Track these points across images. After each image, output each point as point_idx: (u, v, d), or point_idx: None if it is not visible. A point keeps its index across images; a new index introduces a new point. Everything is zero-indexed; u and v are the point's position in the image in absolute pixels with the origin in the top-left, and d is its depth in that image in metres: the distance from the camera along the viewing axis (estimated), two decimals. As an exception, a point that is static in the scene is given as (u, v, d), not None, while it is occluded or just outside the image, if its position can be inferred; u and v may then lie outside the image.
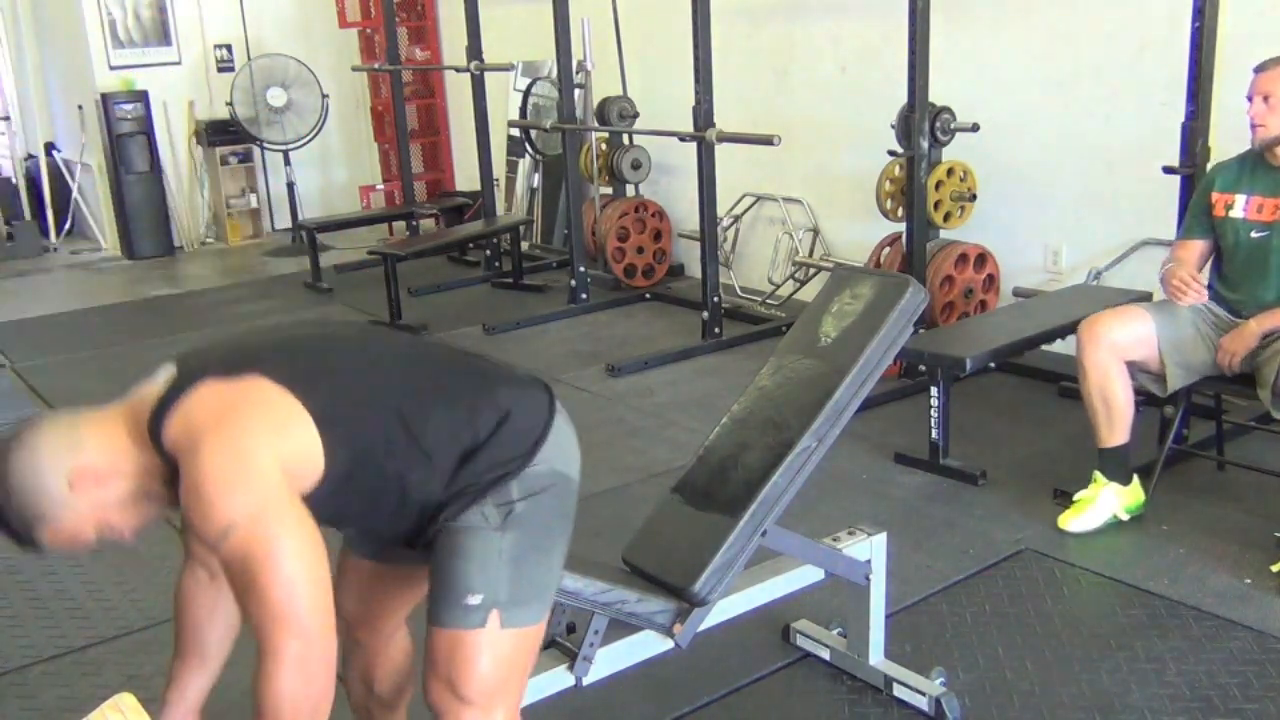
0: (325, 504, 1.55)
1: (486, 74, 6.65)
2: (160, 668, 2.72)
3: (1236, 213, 3.12)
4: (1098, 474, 3.22)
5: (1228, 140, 3.48)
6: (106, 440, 1.53)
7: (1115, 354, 3.10)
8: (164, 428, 1.49)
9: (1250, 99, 3.01)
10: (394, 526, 1.70)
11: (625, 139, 6.22)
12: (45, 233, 8.63)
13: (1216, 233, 3.18)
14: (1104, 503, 3.20)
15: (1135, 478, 3.24)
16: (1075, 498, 3.25)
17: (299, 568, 1.45)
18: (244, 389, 1.52)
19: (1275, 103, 2.96)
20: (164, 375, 1.57)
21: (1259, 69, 3.02)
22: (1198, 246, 3.22)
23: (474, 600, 1.63)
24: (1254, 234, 3.08)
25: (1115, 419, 3.15)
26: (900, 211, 4.64)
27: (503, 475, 1.66)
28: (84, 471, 1.50)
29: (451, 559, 1.64)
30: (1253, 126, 3.02)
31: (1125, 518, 3.21)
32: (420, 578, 1.80)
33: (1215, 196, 3.17)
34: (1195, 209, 3.25)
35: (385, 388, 1.65)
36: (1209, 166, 3.40)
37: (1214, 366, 3.12)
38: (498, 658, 1.66)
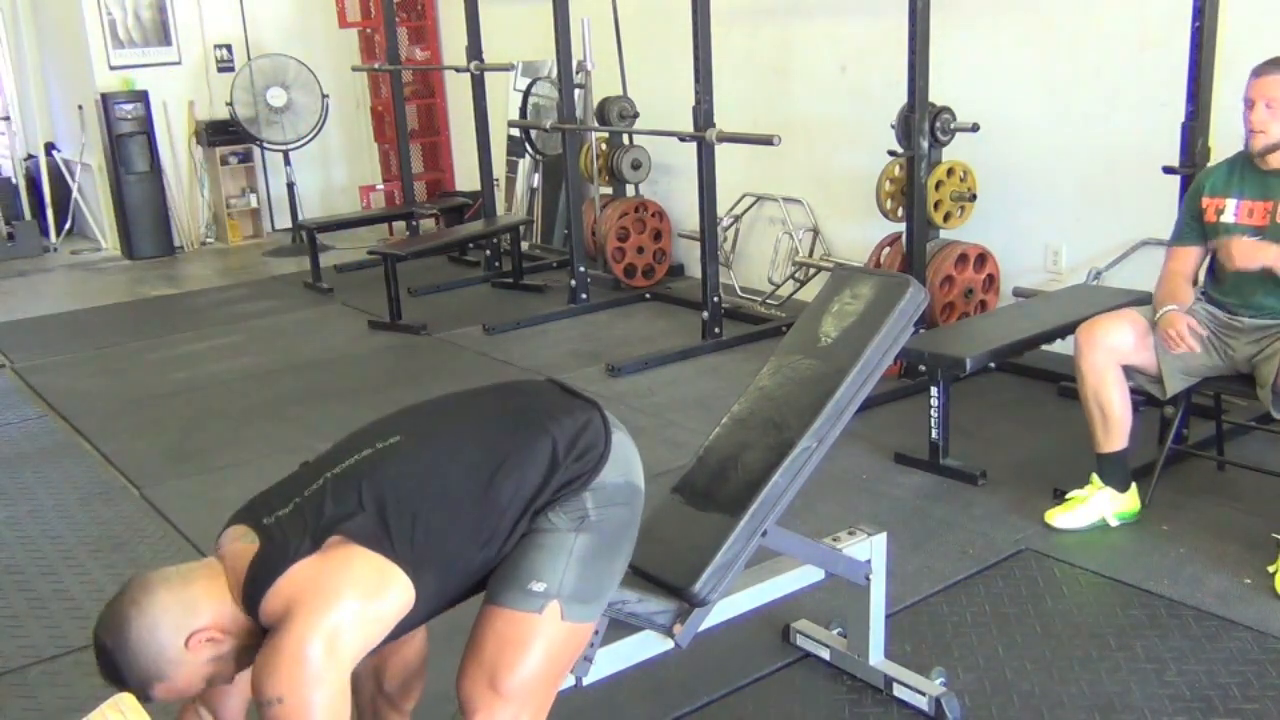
0: (416, 611, 1.66)
1: (486, 74, 6.65)
2: (160, 668, 2.73)
3: (1228, 217, 3.09)
4: (1095, 477, 3.22)
5: (1228, 140, 3.48)
6: (218, 605, 1.62)
7: (1113, 358, 3.10)
8: (261, 606, 1.59)
9: (1249, 103, 2.95)
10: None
11: (625, 139, 6.22)
12: (45, 233, 8.63)
13: (1209, 238, 3.16)
14: (1095, 505, 3.20)
15: (1134, 486, 3.23)
16: (1068, 495, 3.26)
17: None
18: (335, 563, 1.60)
19: (1278, 109, 2.93)
20: (244, 539, 1.67)
21: (1257, 73, 2.95)
22: (1192, 254, 3.19)
23: (538, 587, 1.70)
24: (1245, 239, 3.05)
25: (1111, 425, 3.15)
26: (900, 211, 4.64)
27: (572, 491, 1.76)
28: (201, 634, 1.59)
29: (521, 550, 1.72)
30: (1251, 132, 2.97)
31: (1115, 523, 3.20)
32: None
33: (1206, 202, 3.14)
34: (1187, 215, 3.22)
35: (459, 500, 1.72)
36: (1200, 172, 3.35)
37: (1214, 368, 3.11)
38: (548, 649, 1.71)
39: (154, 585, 1.62)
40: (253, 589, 1.59)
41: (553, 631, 1.71)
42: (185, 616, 1.59)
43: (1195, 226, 3.18)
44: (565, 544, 1.73)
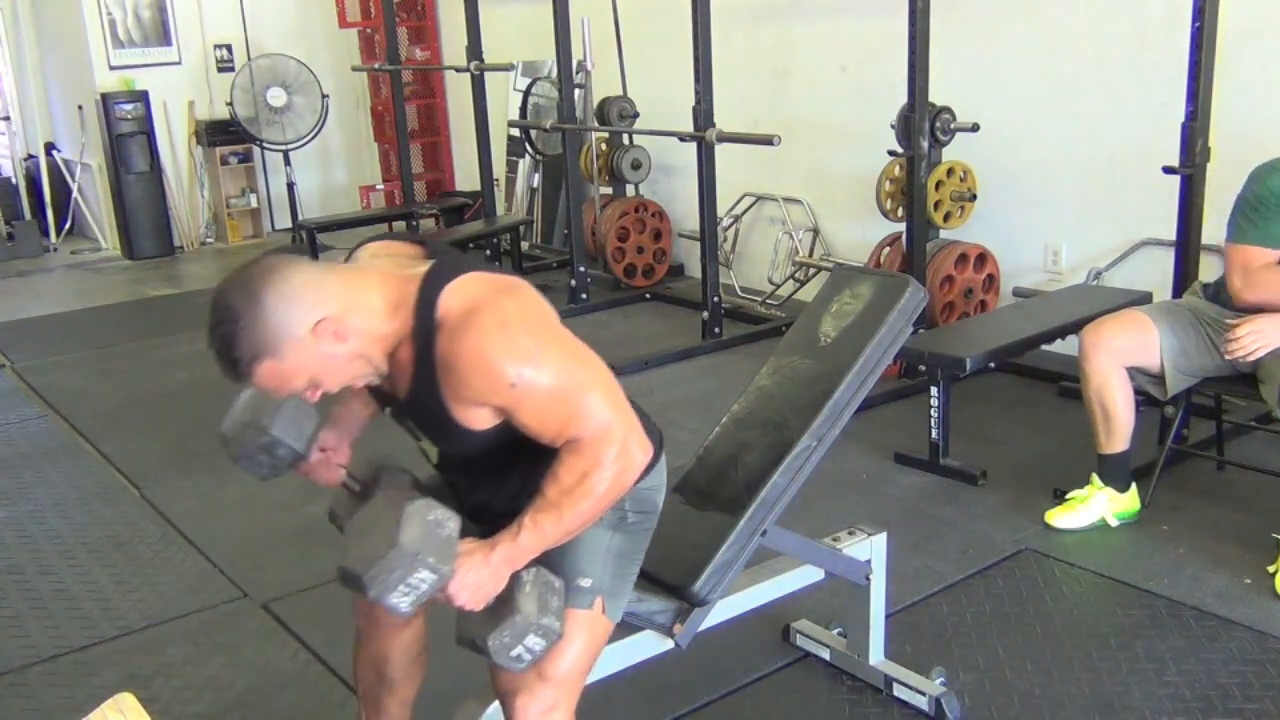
0: (507, 428, 1.63)
1: (486, 74, 6.65)
2: (160, 668, 2.73)
3: None
4: (1095, 477, 3.22)
5: (1228, 140, 3.49)
6: (357, 299, 1.56)
7: (1117, 360, 3.09)
8: (440, 299, 1.56)
9: None
10: (514, 488, 1.74)
11: (625, 139, 6.22)
12: (45, 233, 8.63)
13: None
14: (1095, 505, 3.21)
15: (1134, 486, 3.24)
16: (1068, 496, 3.27)
17: (604, 388, 1.64)
18: (515, 281, 1.65)
19: None
20: (396, 254, 1.67)
21: None
22: (1276, 254, 2.93)
23: (585, 583, 1.75)
24: None
25: (1114, 427, 3.15)
26: (900, 211, 4.64)
27: None
28: (330, 323, 1.53)
29: (562, 546, 1.71)
30: None
31: (1114, 523, 3.21)
32: None
33: None
34: (1271, 214, 2.91)
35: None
36: (1259, 166, 3.04)
37: (1215, 368, 3.10)
38: (591, 641, 1.76)
39: (297, 262, 1.56)
40: (432, 282, 1.57)
41: (597, 624, 1.77)
42: (321, 300, 1.53)
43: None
44: (603, 540, 1.78)
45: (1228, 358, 2.97)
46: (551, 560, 1.72)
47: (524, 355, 1.55)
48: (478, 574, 1.60)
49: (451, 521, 1.59)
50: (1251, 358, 2.92)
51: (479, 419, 1.62)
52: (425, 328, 1.56)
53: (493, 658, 1.64)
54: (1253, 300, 2.95)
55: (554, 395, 1.58)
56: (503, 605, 1.64)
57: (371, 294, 1.58)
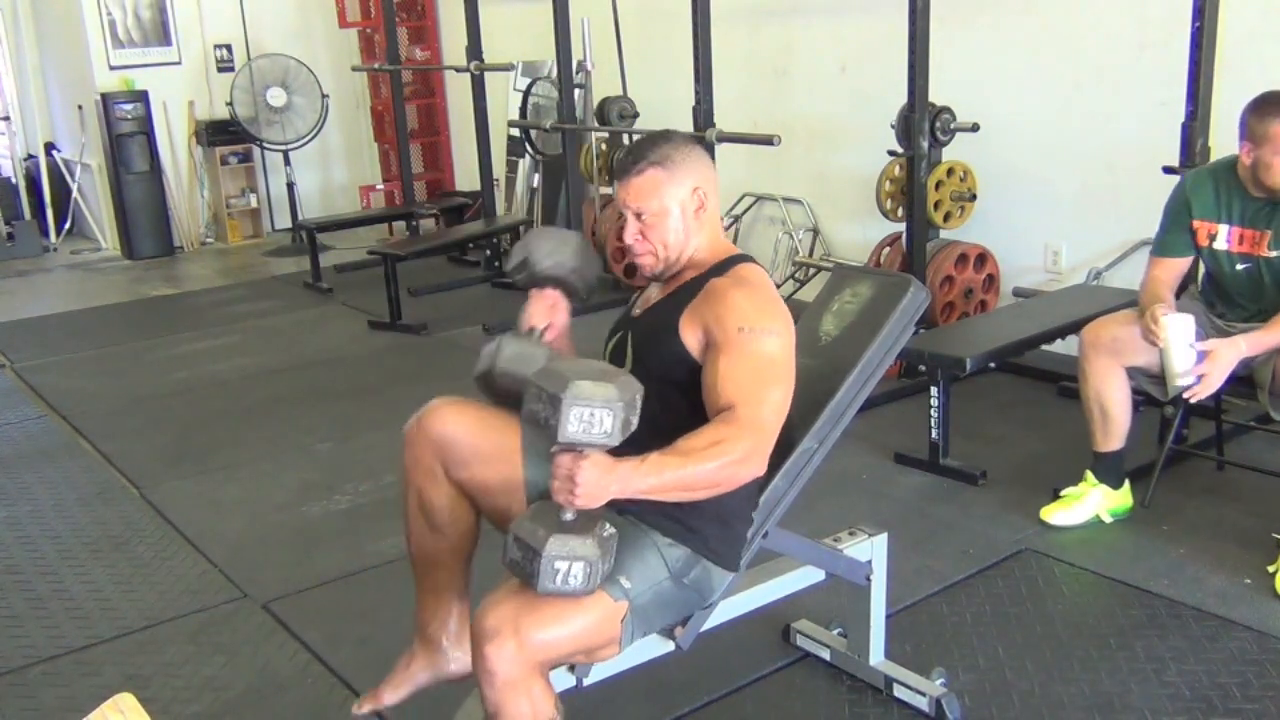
0: (691, 385, 1.91)
1: (486, 74, 6.65)
2: (160, 668, 2.73)
3: (1220, 244, 3.07)
4: (1089, 474, 3.23)
5: (1228, 140, 3.47)
6: (716, 217, 2.08)
7: (1116, 360, 3.10)
8: (740, 263, 2.02)
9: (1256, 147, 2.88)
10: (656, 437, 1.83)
11: (625, 139, 6.22)
12: (45, 233, 8.63)
13: (1201, 256, 3.14)
14: (1090, 502, 3.22)
15: (1127, 483, 3.25)
16: (1063, 493, 3.27)
17: (783, 402, 1.90)
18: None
19: None
20: None
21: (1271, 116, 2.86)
22: (1177, 264, 3.15)
23: (625, 584, 1.83)
24: (1239, 265, 3.06)
25: (1111, 427, 3.16)
26: (900, 211, 4.64)
27: (706, 554, 1.94)
28: (702, 195, 2.01)
29: (630, 546, 1.85)
30: (1267, 179, 2.91)
31: (1109, 519, 3.22)
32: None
33: (1197, 224, 3.09)
34: (1175, 228, 3.14)
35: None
36: (1183, 177, 3.23)
37: (1235, 370, 3.10)
38: (589, 629, 1.79)
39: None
40: (744, 256, 2.05)
41: (605, 623, 1.81)
42: (711, 188, 2.03)
43: (1184, 239, 3.13)
44: (658, 574, 1.89)
45: (1189, 397, 2.97)
46: (619, 550, 1.80)
47: (762, 324, 1.88)
48: (594, 474, 1.69)
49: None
50: (1196, 397, 2.95)
51: (692, 341, 1.92)
52: (718, 269, 1.99)
53: (543, 553, 1.67)
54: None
55: (753, 365, 1.86)
56: (573, 527, 1.70)
57: (719, 227, 2.10)
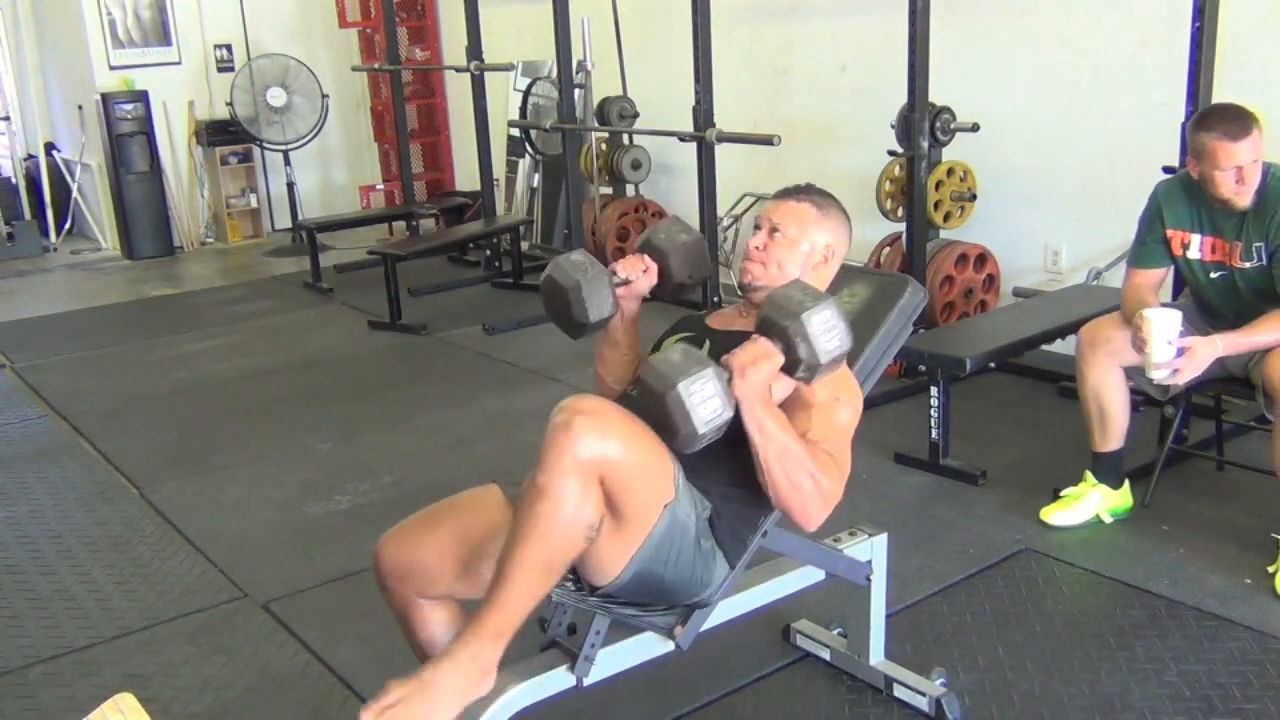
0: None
1: (486, 74, 6.65)
2: (160, 668, 2.73)
3: (1194, 254, 3.09)
4: (1089, 474, 3.24)
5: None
6: (830, 275, 2.22)
7: (1115, 360, 3.10)
8: None
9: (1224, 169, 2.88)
10: (730, 470, 1.98)
11: (625, 139, 6.22)
12: (45, 233, 8.63)
13: (1177, 265, 3.17)
14: (1089, 502, 3.22)
15: (1127, 483, 3.25)
16: (1062, 494, 3.27)
17: (846, 466, 2.03)
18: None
19: (1248, 172, 2.87)
20: None
21: (1231, 137, 2.84)
22: (1157, 274, 3.17)
23: (680, 481, 1.89)
24: (1213, 274, 3.08)
25: (1109, 426, 3.17)
26: (900, 211, 4.64)
27: (715, 534, 1.97)
28: (831, 251, 2.19)
29: (687, 485, 1.91)
30: (1231, 196, 2.92)
31: (1108, 519, 3.22)
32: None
33: (1171, 233, 3.11)
34: (1150, 239, 3.15)
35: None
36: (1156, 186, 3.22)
37: (1214, 368, 3.11)
38: (655, 475, 1.83)
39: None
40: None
41: (660, 479, 1.85)
42: (842, 247, 2.21)
43: (1160, 249, 3.14)
44: (691, 513, 1.91)
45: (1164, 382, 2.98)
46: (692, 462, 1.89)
47: (845, 396, 2.05)
48: (768, 369, 1.85)
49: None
50: (1173, 380, 2.94)
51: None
52: None
53: (683, 385, 1.73)
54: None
55: (835, 434, 2.02)
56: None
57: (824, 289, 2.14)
